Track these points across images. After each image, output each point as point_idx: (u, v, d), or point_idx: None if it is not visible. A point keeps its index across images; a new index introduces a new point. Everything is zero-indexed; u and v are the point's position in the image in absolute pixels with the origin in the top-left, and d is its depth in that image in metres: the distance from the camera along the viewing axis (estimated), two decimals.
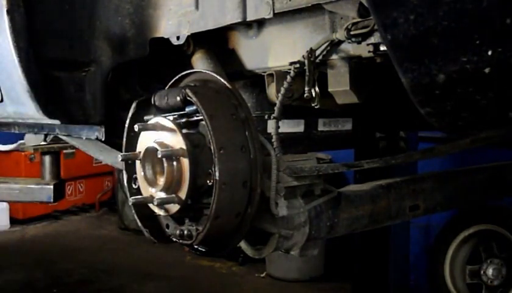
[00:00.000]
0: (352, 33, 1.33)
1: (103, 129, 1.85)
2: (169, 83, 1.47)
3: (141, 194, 1.38)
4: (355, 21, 1.32)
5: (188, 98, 1.28)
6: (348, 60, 1.45)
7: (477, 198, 2.20)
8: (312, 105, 1.45)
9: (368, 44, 1.33)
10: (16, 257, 5.47)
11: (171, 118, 1.32)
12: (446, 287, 4.07)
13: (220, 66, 1.71)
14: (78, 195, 7.34)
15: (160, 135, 1.31)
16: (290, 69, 1.43)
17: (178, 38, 1.64)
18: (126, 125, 1.46)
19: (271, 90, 1.65)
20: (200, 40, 1.68)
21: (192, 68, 1.66)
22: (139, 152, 1.35)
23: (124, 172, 1.47)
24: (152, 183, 1.33)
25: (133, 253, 5.70)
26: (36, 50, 1.63)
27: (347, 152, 3.13)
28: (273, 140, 1.38)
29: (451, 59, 1.04)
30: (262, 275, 5.03)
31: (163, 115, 1.35)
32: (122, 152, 1.46)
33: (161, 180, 1.29)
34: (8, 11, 1.53)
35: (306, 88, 1.41)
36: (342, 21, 1.40)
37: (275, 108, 1.44)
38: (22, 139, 2.78)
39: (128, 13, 1.74)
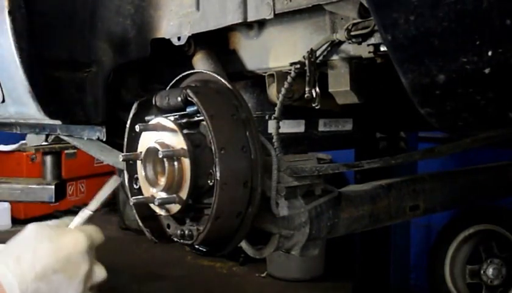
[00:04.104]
0: (352, 33, 1.33)
1: (104, 130, 1.86)
2: (170, 84, 1.47)
3: (142, 194, 1.39)
4: (355, 21, 1.32)
5: (189, 98, 1.28)
6: (348, 61, 1.46)
7: (477, 198, 2.20)
8: (313, 105, 1.45)
9: (368, 45, 1.34)
10: None
11: (172, 118, 1.33)
12: (446, 286, 4.08)
13: (221, 67, 1.71)
14: (80, 195, 7.34)
15: (160, 135, 1.32)
16: (291, 70, 1.43)
17: (179, 38, 1.64)
18: (127, 125, 1.47)
19: (272, 91, 1.66)
20: (201, 41, 1.69)
21: (193, 68, 1.66)
22: (140, 152, 1.36)
23: (125, 172, 1.47)
24: (153, 183, 1.34)
25: (134, 252, 5.71)
26: (37, 51, 1.64)
27: (347, 152, 3.14)
28: (273, 140, 1.38)
29: (451, 59, 1.04)
30: (263, 275, 5.04)
31: (164, 115, 1.35)
32: (123, 152, 1.46)
33: (162, 181, 1.29)
34: (9, 12, 1.53)
35: (306, 89, 1.42)
36: (343, 22, 1.40)
37: (276, 108, 1.44)
38: (24, 139, 2.80)
39: (130, 14, 1.75)
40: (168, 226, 1.40)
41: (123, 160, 1.42)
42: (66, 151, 4.69)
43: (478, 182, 2.08)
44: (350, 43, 1.36)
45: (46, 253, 1.10)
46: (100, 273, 1.18)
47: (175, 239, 1.37)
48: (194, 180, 1.25)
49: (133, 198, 1.36)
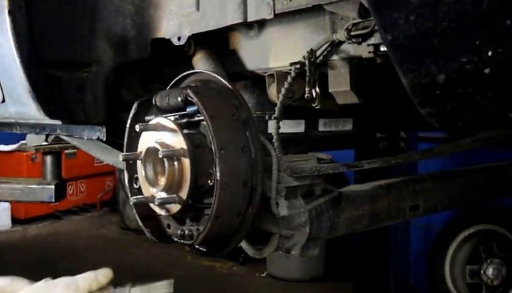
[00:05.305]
0: (352, 33, 1.33)
1: (104, 129, 1.86)
2: (170, 84, 1.47)
3: (142, 194, 1.39)
4: (355, 21, 1.32)
5: (189, 98, 1.28)
6: (348, 61, 1.46)
7: (477, 198, 2.20)
8: (313, 105, 1.45)
9: (368, 45, 1.34)
10: (18, 257, 5.47)
11: (172, 118, 1.33)
12: (446, 286, 4.07)
13: (221, 67, 1.71)
14: (80, 195, 7.34)
15: (161, 135, 1.32)
16: (291, 70, 1.43)
17: (179, 38, 1.64)
18: (127, 125, 1.47)
19: (272, 91, 1.66)
20: (201, 41, 1.69)
21: (193, 68, 1.66)
22: (141, 152, 1.36)
23: (125, 172, 1.47)
24: (153, 183, 1.34)
25: (134, 252, 5.70)
26: (37, 50, 1.64)
27: (347, 152, 3.14)
28: (274, 140, 1.38)
29: (451, 59, 1.04)
30: (263, 275, 5.03)
31: (164, 115, 1.35)
32: (123, 152, 1.46)
33: (162, 181, 1.29)
34: (9, 12, 1.54)
35: (306, 89, 1.42)
36: (343, 22, 1.40)
37: (276, 108, 1.44)
38: (24, 139, 2.80)
39: (130, 14, 1.75)
40: (168, 226, 1.40)
41: (123, 160, 1.42)
42: (66, 151, 4.69)
43: (478, 182, 2.08)
44: (350, 43, 1.36)
45: None
46: None
47: (175, 239, 1.37)
48: (194, 180, 1.25)
49: (133, 197, 1.36)
